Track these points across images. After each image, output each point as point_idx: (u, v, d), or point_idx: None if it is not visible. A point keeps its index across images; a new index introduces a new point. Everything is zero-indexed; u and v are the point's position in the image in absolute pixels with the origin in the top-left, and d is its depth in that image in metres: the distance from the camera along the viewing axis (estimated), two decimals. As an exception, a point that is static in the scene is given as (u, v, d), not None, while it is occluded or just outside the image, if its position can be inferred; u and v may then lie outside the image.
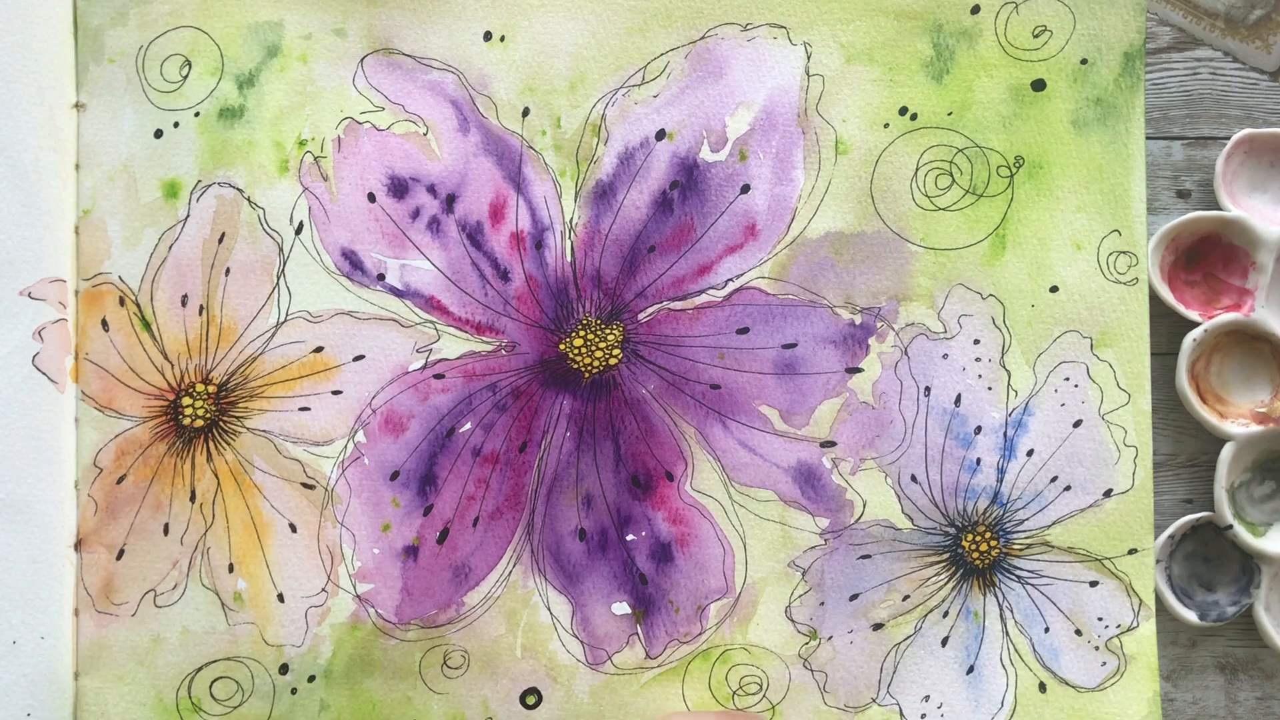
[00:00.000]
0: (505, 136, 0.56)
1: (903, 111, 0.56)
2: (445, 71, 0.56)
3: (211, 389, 0.56)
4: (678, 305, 0.56)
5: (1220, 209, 0.56)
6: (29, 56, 0.55)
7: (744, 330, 0.56)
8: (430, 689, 0.55)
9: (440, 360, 0.56)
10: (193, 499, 0.55)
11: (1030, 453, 0.55)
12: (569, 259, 0.56)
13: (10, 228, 0.54)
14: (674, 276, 0.56)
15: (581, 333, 0.56)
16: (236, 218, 0.56)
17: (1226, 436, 0.55)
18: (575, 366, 0.56)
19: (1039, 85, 0.56)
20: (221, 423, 0.56)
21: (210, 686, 0.55)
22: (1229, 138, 0.56)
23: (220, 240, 0.56)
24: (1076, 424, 0.55)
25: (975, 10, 0.56)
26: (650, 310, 0.56)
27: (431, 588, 0.55)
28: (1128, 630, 0.55)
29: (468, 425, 0.56)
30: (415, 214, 0.56)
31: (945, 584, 0.55)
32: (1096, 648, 0.55)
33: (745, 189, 0.56)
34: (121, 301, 0.56)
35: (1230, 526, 0.55)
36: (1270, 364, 0.56)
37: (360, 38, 0.57)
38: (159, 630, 0.55)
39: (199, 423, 0.56)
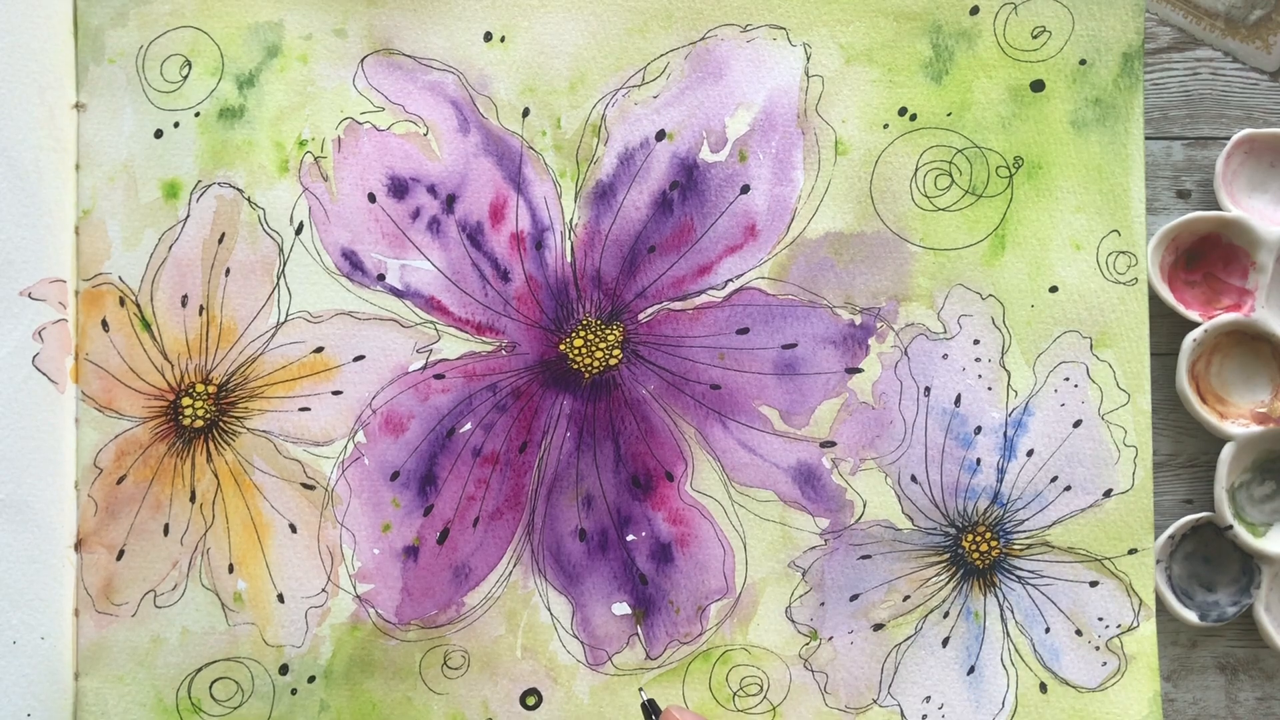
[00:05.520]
0: (505, 137, 0.56)
1: (902, 112, 0.56)
2: (445, 72, 0.56)
3: (211, 389, 0.56)
4: (678, 305, 0.56)
5: (1220, 209, 0.56)
6: (29, 56, 0.55)
7: (744, 330, 0.56)
8: (430, 689, 0.55)
9: (440, 360, 0.56)
10: (193, 499, 0.55)
11: (1030, 453, 0.55)
12: (569, 259, 0.56)
13: (10, 228, 0.54)
14: (674, 277, 0.56)
15: (581, 333, 0.56)
16: (236, 218, 0.56)
17: (1226, 436, 0.55)
18: (575, 367, 0.56)
19: (1038, 86, 0.56)
20: (221, 423, 0.56)
21: (210, 687, 0.55)
22: (1229, 138, 0.56)
23: (220, 240, 0.56)
24: (1076, 424, 0.55)
25: (974, 11, 0.56)
26: (650, 310, 0.56)
27: (431, 588, 0.55)
28: (1128, 630, 0.55)
29: (468, 425, 0.56)
30: (415, 214, 0.56)
31: (946, 584, 0.55)
32: (1097, 648, 0.55)
33: (745, 189, 0.56)
34: (121, 302, 0.56)
35: (1230, 527, 0.55)
36: (1270, 364, 0.56)
37: (360, 38, 0.57)
38: (159, 630, 0.55)
39: (199, 423, 0.56)
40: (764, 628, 0.55)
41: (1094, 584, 0.55)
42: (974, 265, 0.56)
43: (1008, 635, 0.55)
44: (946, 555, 0.56)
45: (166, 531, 0.55)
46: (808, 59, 0.56)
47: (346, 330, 0.56)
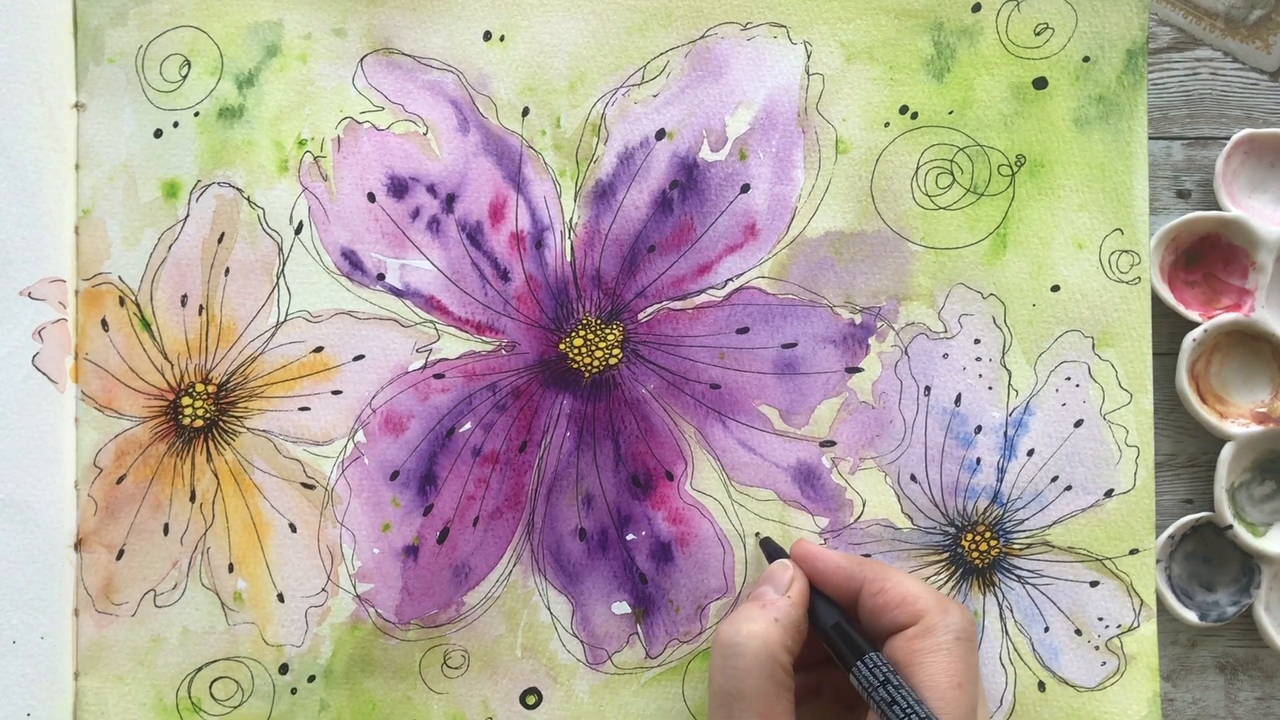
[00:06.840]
0: (505, 136, 0.56)
1: (903, 110, 0.56)
2: (445, 71, 0.56)
3: (211, 389, 0.56)
4: (678, 305, 0.56)
5: (1220, 209, 0.56)
6: (29, 56, 0.55)
7: (744, 330, 0.56)
8: (430, 689, 0.55)
9: (440, 360, 0.56)
10: (193, 499, 0.56)
11: (1031, 452, 0.55)
12: (569, 259, 0.56)
13: (10, 228, 0.54)
14: (674, 276, 0.56)
15: (581, 332, 0.56)
16: (236, 218, 0.56)
17: (1226, 436, 0.55)
18: (575, 366, 0.56)
19: (1040, 83, 0.56)
20: (221, 423, 0.56)
21: (210, 686, 0.55)
22: (1229, 138, 0.56)
23: (220, 240, 0.56)
24: (1077, 424, 0.55)
25: (976, 8, 0.56)
26: (650, 310, 0.56)
27: (431, 587, 0.55)
28: (1128, 630, 0.55)
29: (468, 425, 0.56)
30: (415, 214, 0.56)
31: (945, 583, 0.55)
32: (1096, 647, 0.55)
33: (745, 188, 0.56)
34: (121, 301, 0.56)
35: (1230, 527, 0.55)
36: (1270, 364, 0.56)
37: (360, 37, 0.56)
38: (159, 630, 0.55)
39: (199, 423, 0.56)
40: (763, 627, 0.55)
41: (1094, 584, 0.55)
42: (975, 264, 0.56)
43: (1006, 634, 0.55)
44: (946, 554, 0.56)
45: (166, 531, 0.55)
46: (808, 57, 0.56)
47: (346, 330, 0.56)
